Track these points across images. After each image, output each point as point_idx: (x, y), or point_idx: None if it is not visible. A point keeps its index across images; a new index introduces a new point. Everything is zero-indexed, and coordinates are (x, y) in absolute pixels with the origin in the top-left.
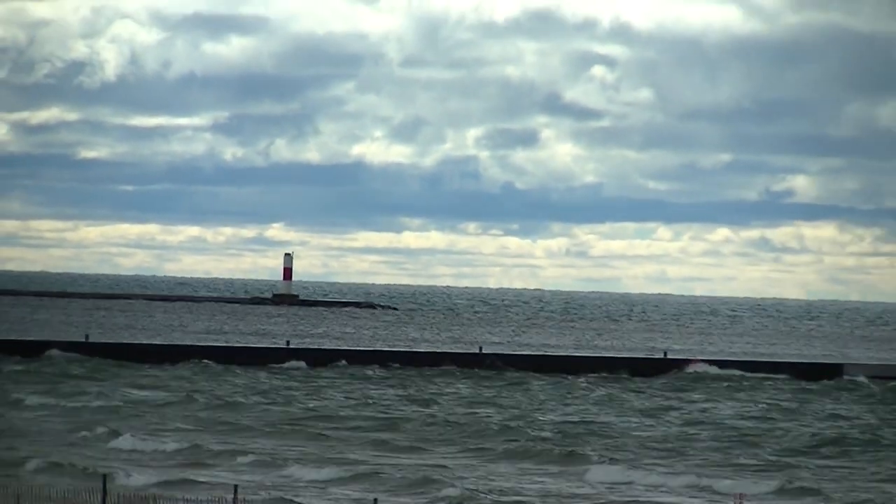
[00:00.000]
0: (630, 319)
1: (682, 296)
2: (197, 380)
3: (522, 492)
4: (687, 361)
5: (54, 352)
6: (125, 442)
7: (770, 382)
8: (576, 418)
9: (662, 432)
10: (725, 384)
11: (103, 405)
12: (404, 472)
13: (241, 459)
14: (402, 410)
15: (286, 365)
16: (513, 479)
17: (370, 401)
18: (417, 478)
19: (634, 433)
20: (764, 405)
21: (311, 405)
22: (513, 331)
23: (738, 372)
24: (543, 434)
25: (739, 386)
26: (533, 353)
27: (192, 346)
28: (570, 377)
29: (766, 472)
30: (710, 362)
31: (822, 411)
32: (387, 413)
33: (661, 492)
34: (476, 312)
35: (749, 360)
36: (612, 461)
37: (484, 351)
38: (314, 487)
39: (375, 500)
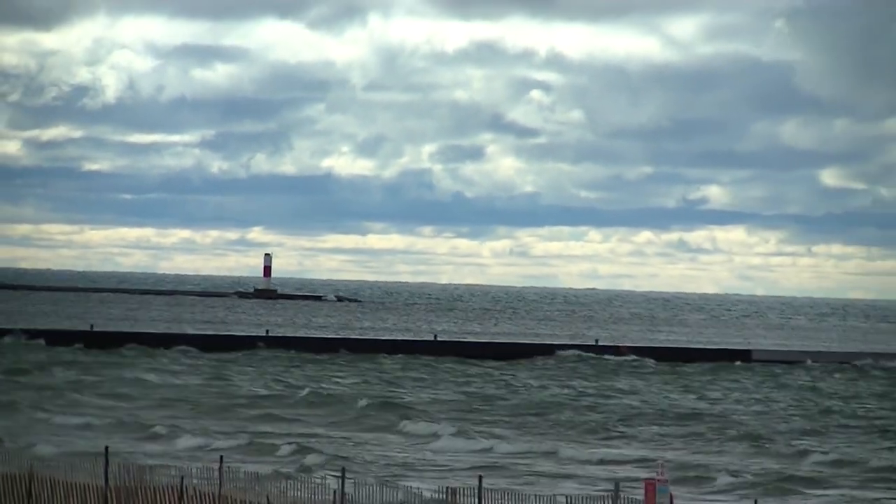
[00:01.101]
0: (572, 312)
1: (611, 290)
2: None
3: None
4: (617, 347)
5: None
6: None
7: (690, 367)
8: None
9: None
10: (650, 369)
11: None
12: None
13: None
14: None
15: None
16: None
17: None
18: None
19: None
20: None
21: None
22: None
23: (651, 358)
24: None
25: (656, 370)
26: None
27: (181, 334)
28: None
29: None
30: (631, 348)
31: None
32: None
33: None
34: (429, 305)
35: (670, 346)
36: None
37: (439, 338)
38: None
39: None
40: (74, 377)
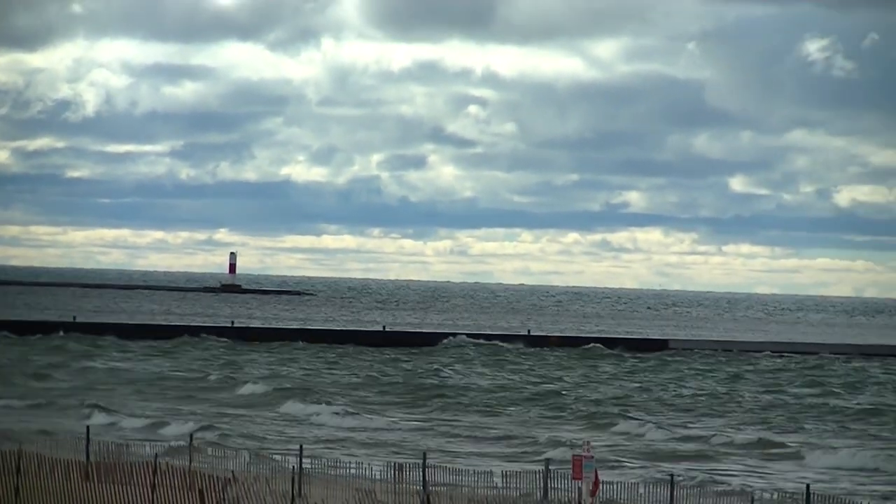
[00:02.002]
0: (500, 306)
1: (541, 286)
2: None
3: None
4: (548, 338)
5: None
6: None
7: (610, 353)
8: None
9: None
10: (574, 355)
11: None
12: None
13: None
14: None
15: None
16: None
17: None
18: None
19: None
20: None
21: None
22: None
23: (576, 347)
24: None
25: (579, 354)
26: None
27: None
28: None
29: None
30: (564, 338)
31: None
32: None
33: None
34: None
35: (594, 336)
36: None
37: (387, 329)
38: None
39: None
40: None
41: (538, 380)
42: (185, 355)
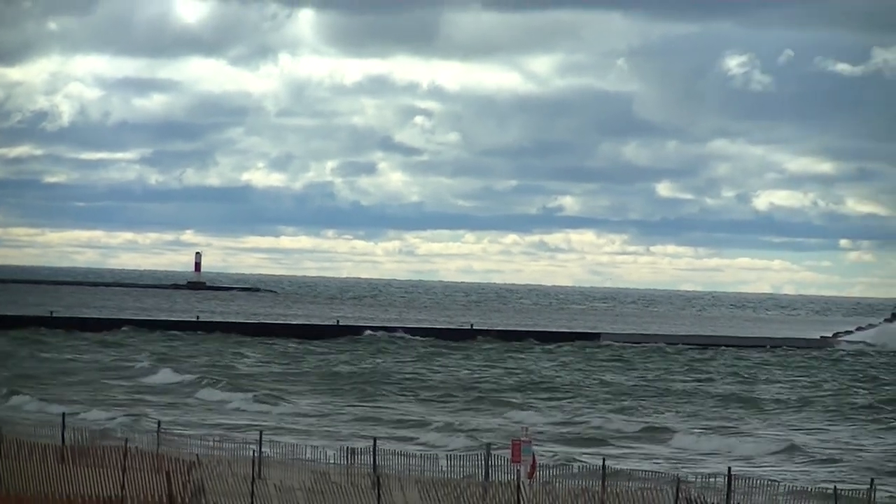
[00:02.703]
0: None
1: (485, 283)
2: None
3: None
4: (481, 332)
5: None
6: None
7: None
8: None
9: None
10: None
11: None
12: None
13: None
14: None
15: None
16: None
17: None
18: None
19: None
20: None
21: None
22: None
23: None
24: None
25: (512, 347)
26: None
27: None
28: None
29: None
30: (499, 332)
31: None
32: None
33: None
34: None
35: (533, 329)
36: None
37: (340, 324)
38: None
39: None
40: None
41: (445, 369)
42: (126, 347)
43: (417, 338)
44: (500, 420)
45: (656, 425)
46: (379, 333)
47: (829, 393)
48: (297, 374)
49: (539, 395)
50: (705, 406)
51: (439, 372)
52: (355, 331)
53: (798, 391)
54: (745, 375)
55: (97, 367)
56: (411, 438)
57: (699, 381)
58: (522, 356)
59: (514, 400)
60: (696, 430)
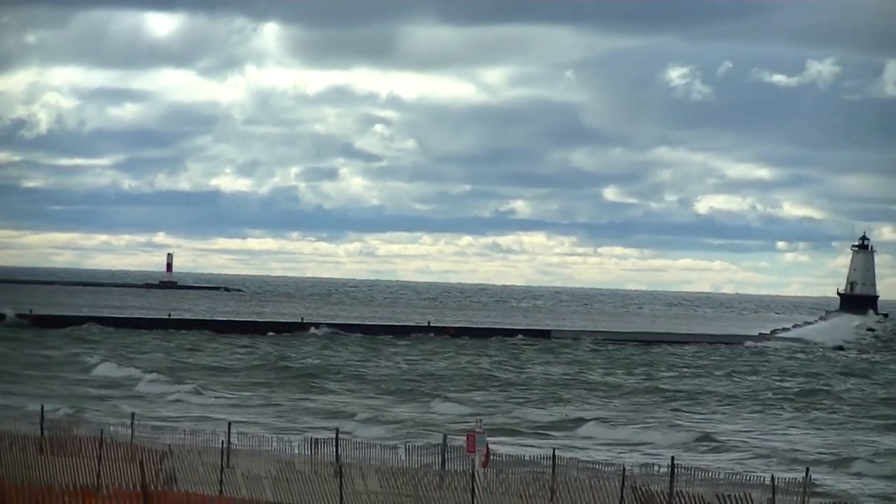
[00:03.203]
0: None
1: (441, 283)
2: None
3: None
4: (445, 328)
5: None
6: None
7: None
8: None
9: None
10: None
11: None
12: None
13: None
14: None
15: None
16: None
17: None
18: None
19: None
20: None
21: None
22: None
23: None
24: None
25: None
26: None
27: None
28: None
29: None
30: (460, 328)
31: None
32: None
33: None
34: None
35: (480, 326)
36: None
37: (305, 321)
38: None
39: None
40: None
41: (391, 363)
42: (86, 343)
43: (358, 334)
44: (423, 411)
45: (572, 416)
46: (325, 330)
47: (748, 388)
48: (244, 367)
49: (469, 388)
50: (629, 399)
51: (385, 366)
52: (305, 326)
53: (725, 385)
54: (678, 370)
55: (54, 362)
56: (333, 428)
57: (632, 374)
58: (472, 352)
59: (442, 392)
60: (609, 420)
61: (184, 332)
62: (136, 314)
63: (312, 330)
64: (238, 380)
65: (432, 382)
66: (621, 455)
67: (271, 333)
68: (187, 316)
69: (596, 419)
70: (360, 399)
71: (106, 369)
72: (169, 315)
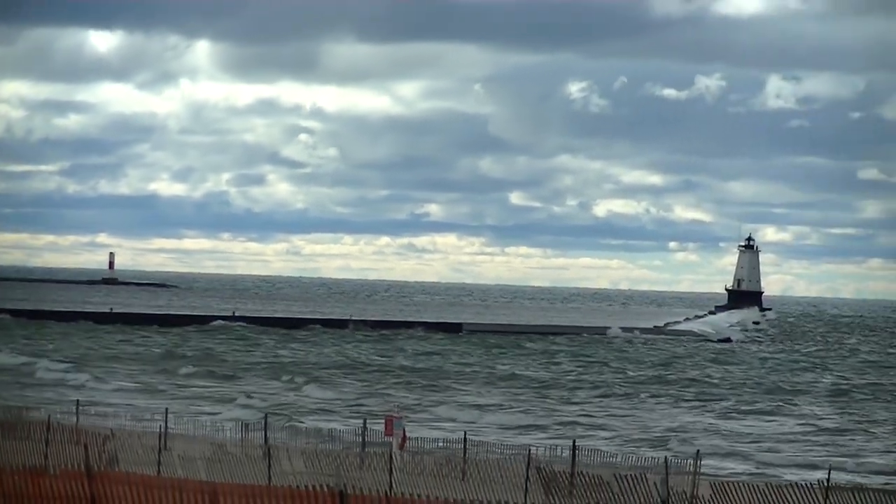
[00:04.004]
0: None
1: (361, 280)
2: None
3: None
4: (355, 321)
5: None
6: None
7: (410, 332)
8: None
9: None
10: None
11: None
12: None
13: None
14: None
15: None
16: None
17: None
18: None
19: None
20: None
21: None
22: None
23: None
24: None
25: (382, 336)
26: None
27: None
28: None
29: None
30: (376, 322)
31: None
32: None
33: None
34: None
35: (397, 320)
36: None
37: (237, 314)
38: None
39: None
40: None
41: (288, 354)
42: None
43: (262, 326)
44: (292, 394)
45: (423, 401)
46: (222, 322)
47: (605, 375)
48: (145, 356)
49: (345, 375)
50: (494, 387)
51: (278, 356)
52: (203, 320)
53: (597, 374)
54: (535, 358)
55: None
56: (201, 410)
57: (508, 363)
58: (375, 345)
59: (319, 379)
60: (457, 405)
61: (91, 323)
62: (60, 308)
63: (214, 322)
64: (134, 367)
65: (313, 369)
66: (507, 439)
67: (184, 326)
68: (131, 310)
69: (446, 402)
70: (237, 384)
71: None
72: (111, 310)
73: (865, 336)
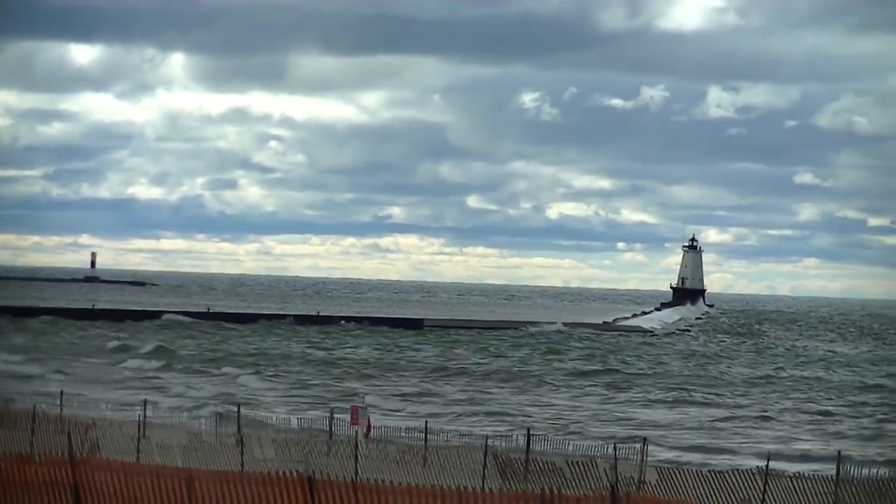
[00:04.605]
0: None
1: (328, 278)
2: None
3: None
4: (331, 318)
5: None
6: None
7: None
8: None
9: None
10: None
11: None
12: None
13: None
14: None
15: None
16: None
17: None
18: None
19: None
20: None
21: None
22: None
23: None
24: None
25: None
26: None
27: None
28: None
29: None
30: (350, 318)
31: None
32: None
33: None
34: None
35: (370, 315)
36: None
37: (212, 310)
38: None
39: None
40: None
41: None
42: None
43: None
44: (225, 383)
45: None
46: (178, 318)
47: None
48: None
49: (277, 366)
50: (425, 377)
51: (221, 348)
52: (155, 315)
53: (535, 364)
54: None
55: None
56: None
57: (465, 356)
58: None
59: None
60: (385, 395)
61: (42, 317)
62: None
63: (162, 318)
64: (89, 360)
65: (249, 360)
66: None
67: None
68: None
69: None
70: (176, 374)
71: None
72: (93, 306)
73: (791, 329)
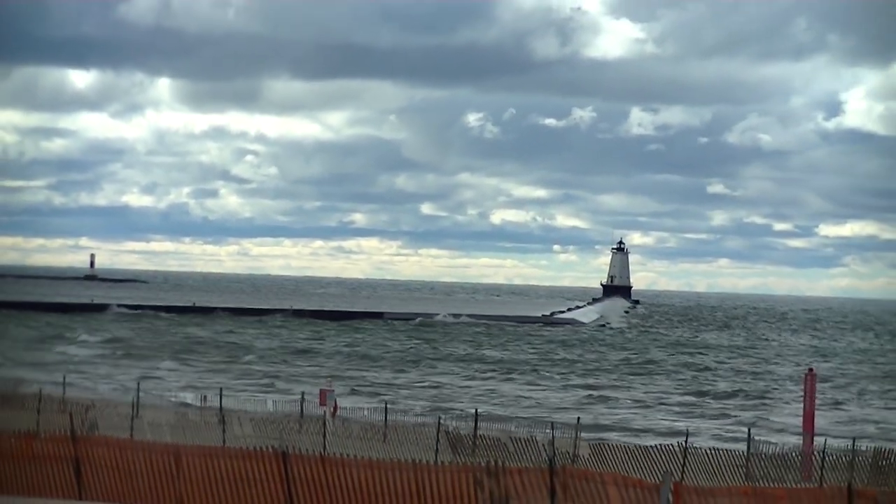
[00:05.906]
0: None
1: (300, 276)
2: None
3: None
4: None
5: None
6: None
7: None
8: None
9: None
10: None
11: None
12: None
13: None
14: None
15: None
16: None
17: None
18: None
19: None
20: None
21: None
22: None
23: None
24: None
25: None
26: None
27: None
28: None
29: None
30: (312, 312)
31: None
32: None
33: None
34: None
35: (335, 310)
36: None
37: (197, 304)
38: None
39: None
40: None
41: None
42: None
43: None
44: (148, 370)
45: (281, 375)
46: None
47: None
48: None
49: (212, 355)
50: (358, 363)
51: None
52: (100, 308)
53: (476, 351)
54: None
55: None
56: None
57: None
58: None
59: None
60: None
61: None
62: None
63: (115, 309)
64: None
65: (198, 350)
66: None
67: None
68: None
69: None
70: (114, 361)
71: None
72: (92, 300)
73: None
